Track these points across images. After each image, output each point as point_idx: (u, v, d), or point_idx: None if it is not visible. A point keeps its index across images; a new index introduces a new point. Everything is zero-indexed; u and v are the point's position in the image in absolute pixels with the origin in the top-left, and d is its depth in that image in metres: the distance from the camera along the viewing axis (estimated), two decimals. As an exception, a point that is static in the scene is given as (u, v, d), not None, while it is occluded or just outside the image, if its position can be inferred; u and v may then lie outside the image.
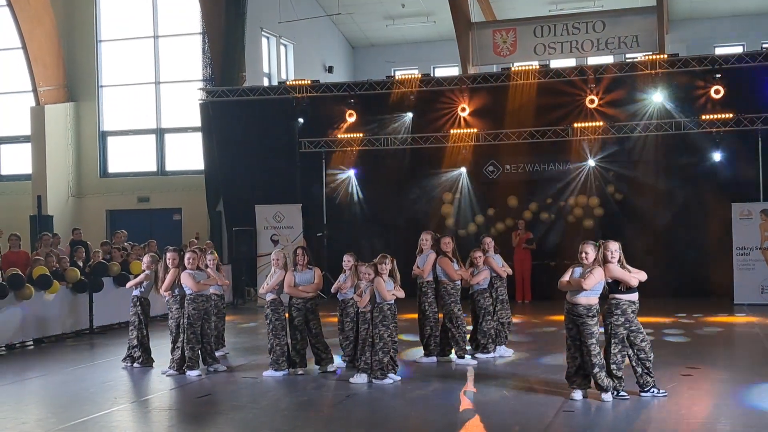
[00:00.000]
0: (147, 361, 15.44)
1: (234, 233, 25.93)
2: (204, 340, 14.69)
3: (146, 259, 16.14)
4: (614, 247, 11.65)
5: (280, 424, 10.94)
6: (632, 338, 11.66)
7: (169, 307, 14.87)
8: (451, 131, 25.83)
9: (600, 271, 11.55)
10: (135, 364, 15.38)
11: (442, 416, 11.22)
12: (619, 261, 11.62)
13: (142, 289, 15.71)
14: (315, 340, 14.37)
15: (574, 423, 10.63)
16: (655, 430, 10.28)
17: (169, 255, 14.87)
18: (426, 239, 15.14)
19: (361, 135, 26.43)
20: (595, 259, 11.65)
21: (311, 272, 14.40)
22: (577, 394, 11.73)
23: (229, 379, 14.17)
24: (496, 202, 25.98)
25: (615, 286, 11.63)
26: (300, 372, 14.18)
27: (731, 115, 23.74)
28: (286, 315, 14.37)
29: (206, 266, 15.30)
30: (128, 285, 16.19)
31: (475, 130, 25.71)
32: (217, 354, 15.45)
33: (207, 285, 14.87)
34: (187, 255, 14.77)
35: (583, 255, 11.70)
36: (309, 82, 27.44)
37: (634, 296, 11.66)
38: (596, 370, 11.58)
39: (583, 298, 11.62)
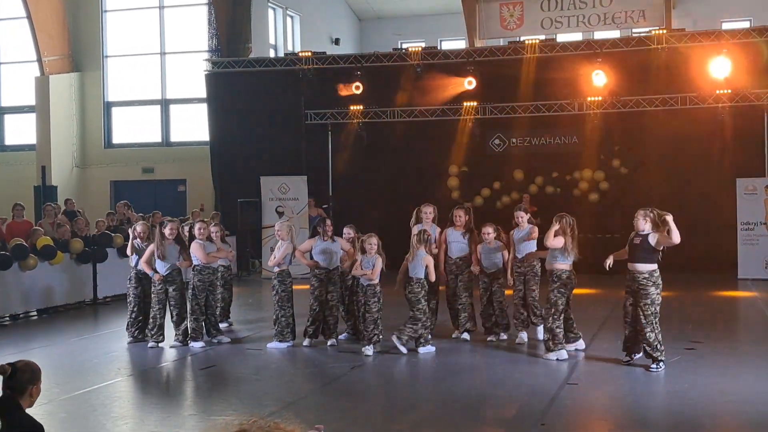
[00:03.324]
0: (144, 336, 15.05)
1: (239, 204, 25.89)
2: (208, 312, 14.65)
3: (140, 228, 15.34)
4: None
5: (284, 395, 10.96)
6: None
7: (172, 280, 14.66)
8: (457, 104, 25.79)
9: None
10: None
11: (446, 388, 11.23)
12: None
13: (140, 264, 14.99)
14: (328, 312, 14.28)
15: (579, 395, 10.65)
16: (659, 404, 10.29)
17: (170, 225, 14.64)
18: (428, 212, 14.65)
19: (368, 107, 26.38)
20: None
21: (337, 243, 14.37)
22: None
23: (234, 350, 14.19)
24: (501, 176, 25.95)
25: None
26: (305, 343, 14.16)
27: (737, 91, 23.68)
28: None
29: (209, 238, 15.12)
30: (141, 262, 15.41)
31: (482, 104, 25.67)
32: (222, 326, 15.41)
33: (216, 257, 14.82)
34: (198, 225, 14.72)
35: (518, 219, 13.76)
36: (315, 53, 27.38)
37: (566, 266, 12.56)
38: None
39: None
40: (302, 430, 3.87)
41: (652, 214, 11.91)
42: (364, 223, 15.74)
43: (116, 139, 32.31)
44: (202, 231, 14.64)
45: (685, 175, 24.56)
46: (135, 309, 14.99)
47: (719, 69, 23.79)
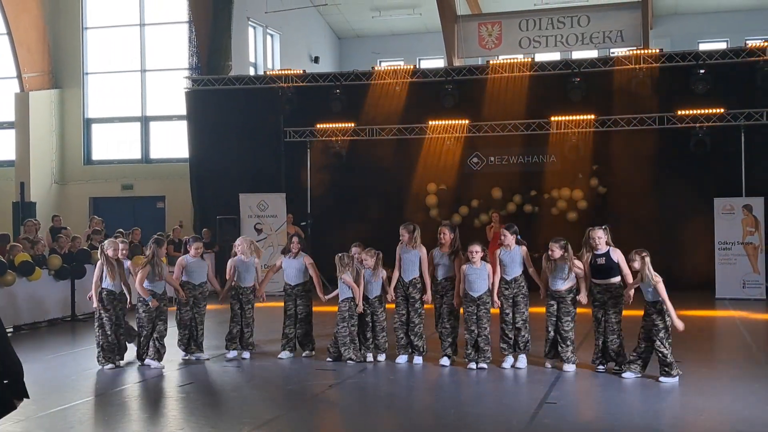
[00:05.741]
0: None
1: (218, 221, 25.90)
2: (191, 325, 14.57)
3: (113, 244, 14.50)
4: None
5: (263, 412, 10.94)
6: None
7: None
8: (436, 122, 25.89)
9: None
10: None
11: (424, 406, 11.26)
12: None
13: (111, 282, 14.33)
14: (299, 325, 14.63)
15: (557, 414, 10.67)
16: (638, 423, 10.31)
17: (196, 245, 14.86)
18: (402, 233, 13.99)
19: (346, 125, 26.45)
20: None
21: (300, 260, 14.63)
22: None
23: (212, 367, 14.15)
24: (479, 194, 26.05)
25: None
26: (281, 357, 14.49)
27: (714, 111, 23.87)
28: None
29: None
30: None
31: (460, 122, 25.79)
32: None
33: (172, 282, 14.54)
34: (195, 244, 14.67)
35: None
36: (295, 71, 27.47)
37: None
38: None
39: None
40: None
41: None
42: (342, 241, 15.73)
43: (96, 156, 32.28)
44: (197, 250, 14.66)
45: (662, 195, 24.70)
46: (101, 331, 14.24)
47: (696, 89, 24.02)
